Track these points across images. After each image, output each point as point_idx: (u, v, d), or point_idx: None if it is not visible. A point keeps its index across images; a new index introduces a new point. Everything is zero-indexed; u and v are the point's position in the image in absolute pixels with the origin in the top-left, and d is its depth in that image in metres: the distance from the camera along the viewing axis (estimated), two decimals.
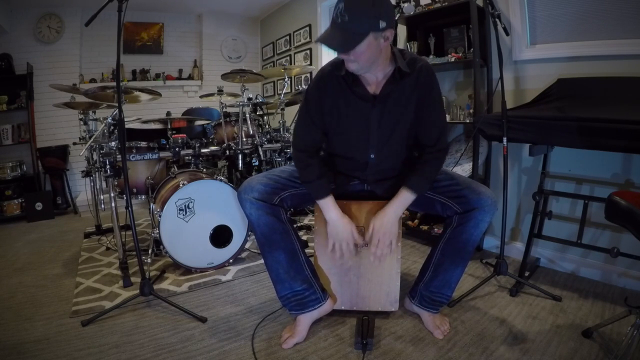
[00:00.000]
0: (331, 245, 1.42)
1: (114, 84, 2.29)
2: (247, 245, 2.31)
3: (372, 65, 1.26)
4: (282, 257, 1.39)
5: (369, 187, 1.49)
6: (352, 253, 1.44)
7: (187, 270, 2.09)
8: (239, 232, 2.19)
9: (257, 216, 1.36)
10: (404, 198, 1.37)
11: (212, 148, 2.49)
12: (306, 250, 1.47)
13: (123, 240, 2.11)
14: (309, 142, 1.43)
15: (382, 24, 1.15)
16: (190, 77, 4.89)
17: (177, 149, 2.28)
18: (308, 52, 4.28)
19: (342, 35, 1.16)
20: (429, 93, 1.34)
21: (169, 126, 2.50)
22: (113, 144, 2.00)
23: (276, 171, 1.47)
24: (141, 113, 3.80)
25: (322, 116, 1.40)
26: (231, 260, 2.19)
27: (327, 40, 1.19)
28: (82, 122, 2.80)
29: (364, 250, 1.52)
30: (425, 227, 2.47)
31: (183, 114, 3.79)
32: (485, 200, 1.30)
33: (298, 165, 1.43)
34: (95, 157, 2.48)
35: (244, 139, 2.48)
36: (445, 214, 1.41)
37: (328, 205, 1.39)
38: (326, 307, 1.48)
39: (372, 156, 1.41)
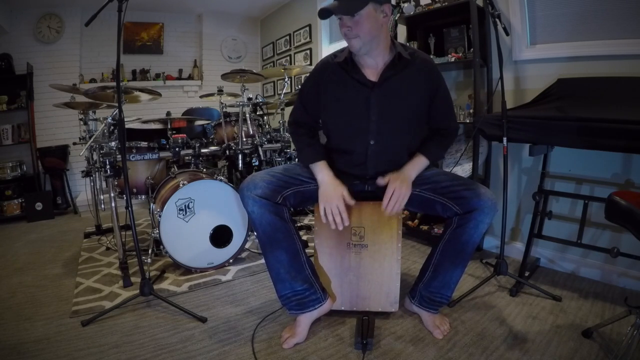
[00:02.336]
0: (322, 210, 1.38)
1: (114, 84, 2.29)
2: (247, 245, 2.31)
3: (373, 41, 1.32)
4: (284, 257, 1.39)
5: (370, 187, 1.49)
6: (345, 220, 1.37)
7: (187, 270, 2.09)
8: (239, 232, 2.19)
9: (259, 214, 1.35)
10: (419, 162, 1.43)
11: (212, 148, 2.49)
12: (306, 250, 1.47)
13: (123, 240, 2.11)
14: (300, 120, 1.56)
15: None
16: (190, 77, 4.89)
17: (177, 149, 2.28)
18: (308, 52, 4.28)
19: (345, 2, 1.25)
20: (438, 85, 1.45)
21: (169, 126, 2.50)
22: (113, 144, 2.00)
23: (279, 169, 1.47)
24: (141, 113, 3.81)
25: (316, 104, 1.49)
26: (231, 260, 2.19)
27: (331, 7, 1.26)
28: (82, 122, 2.80)
29: (364, 251, 1.52)
30: (425, 227, 2.47)
31: (183, 114, 3.79)
32: (485, 201, 1.30)
33: (292, 138, 1.57)
34: (95, 157, 2.49)
35: (244, 139, 2.48)
36: (445, 215, 1.41)
37: (319, 168, 1.43)
38: (326, 306, 1.48)
39: (372, 142, 1.42)
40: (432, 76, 1.43)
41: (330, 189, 1.38)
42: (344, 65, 1.41)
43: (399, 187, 1.34)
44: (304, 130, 1.55)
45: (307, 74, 4.54)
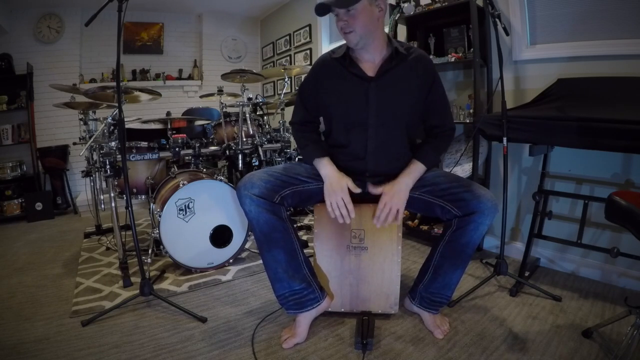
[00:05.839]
0: (329, 205, 1.38)
1: (114, 84, 2.29)
2: (247, 245, 2.31)
3: (369, 35, 1.35)
4: (282, 256, 1.38)
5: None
6: (351, 211, 1.37)
7: (187, 270, 2.09)
8: (238, 232, 2.19)
9: (256, 213, 1.34)
10: (415, 169, 1.43)
11: (212, 148, 2.49)
12: (305, 251, 1.46)
13: (123, 240, 2.11)
14: (301, 119, 1.57)
15: None
16: (190, 77, 4.89)
17: (177, 149, 2.28)
18: (308, 52, 4.28)
19: None
20: (433, 79, 1.46)
21: (169, 126, 2.49)
22: (113, 144, 2.00)
23: (277, 168, 1.46)
24: (141, 113, 3.80)
25: (316, 101, 1.51)
26: (231, 260, 2.19)
27: (327, 1, 1.29)
28: (82, 122, 2.79)
29: (363, 254, 1.52)
30: (425, 227, 2.47)
31: (183, 114, 3.79)
32: (485, 203, 1.29)
33: (295, 136, 1.58)
34: (95, 157, 2.49)
35: (244, 139, 2.48)
36: (445, 217, 1.40)
37: (323, 164, 1.44)
38: (324, 305, 1.48)
39: (371, 135, 1.43)
40: (427, 70, 1.45)
41: (334, 182, 1.39)
42: (341, 60, 1.43)
43: (390, 201, 1.36)
44: (306, 128, 1.57)
45: (307, 74, 4.50)
